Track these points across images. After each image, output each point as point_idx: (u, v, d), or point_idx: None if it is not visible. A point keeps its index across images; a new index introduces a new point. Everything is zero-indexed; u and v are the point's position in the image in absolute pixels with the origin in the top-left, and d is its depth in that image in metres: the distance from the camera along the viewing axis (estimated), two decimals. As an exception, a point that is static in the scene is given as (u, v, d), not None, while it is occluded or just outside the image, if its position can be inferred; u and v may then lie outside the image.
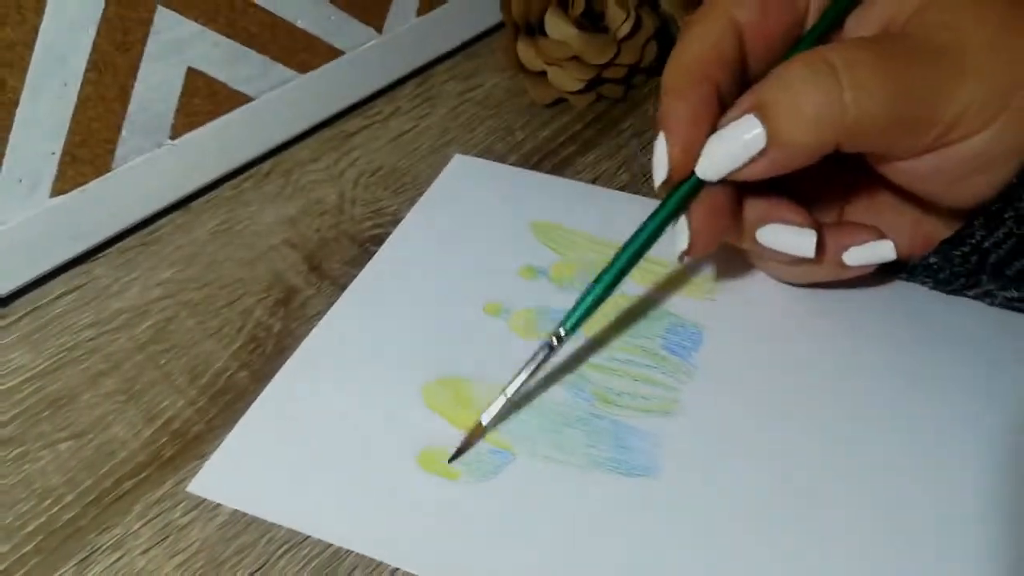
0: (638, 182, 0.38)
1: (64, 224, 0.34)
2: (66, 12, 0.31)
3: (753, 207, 0.28)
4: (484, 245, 0.35)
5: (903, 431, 0.28)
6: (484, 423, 0.27)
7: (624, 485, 0.27)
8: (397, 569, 0.25)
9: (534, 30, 0.41)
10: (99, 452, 0.29)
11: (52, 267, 0.35)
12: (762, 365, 0.30)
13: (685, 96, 0.26)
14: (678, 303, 0.32)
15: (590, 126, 0.42)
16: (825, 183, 0.30)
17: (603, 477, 0.27)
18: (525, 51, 0.42)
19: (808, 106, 0.24)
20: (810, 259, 0.28)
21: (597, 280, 0.27)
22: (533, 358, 0.27)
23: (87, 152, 0.34)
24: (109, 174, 0.35)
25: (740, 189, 0.27)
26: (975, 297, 0.31)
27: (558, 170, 0.39)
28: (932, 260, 0.29)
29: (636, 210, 0.36)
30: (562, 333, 0.27)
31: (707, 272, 0.33)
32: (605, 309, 0.32)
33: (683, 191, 0.27)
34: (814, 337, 0.31)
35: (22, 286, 0.34)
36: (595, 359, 0.30)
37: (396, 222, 0.36)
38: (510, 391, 0.27)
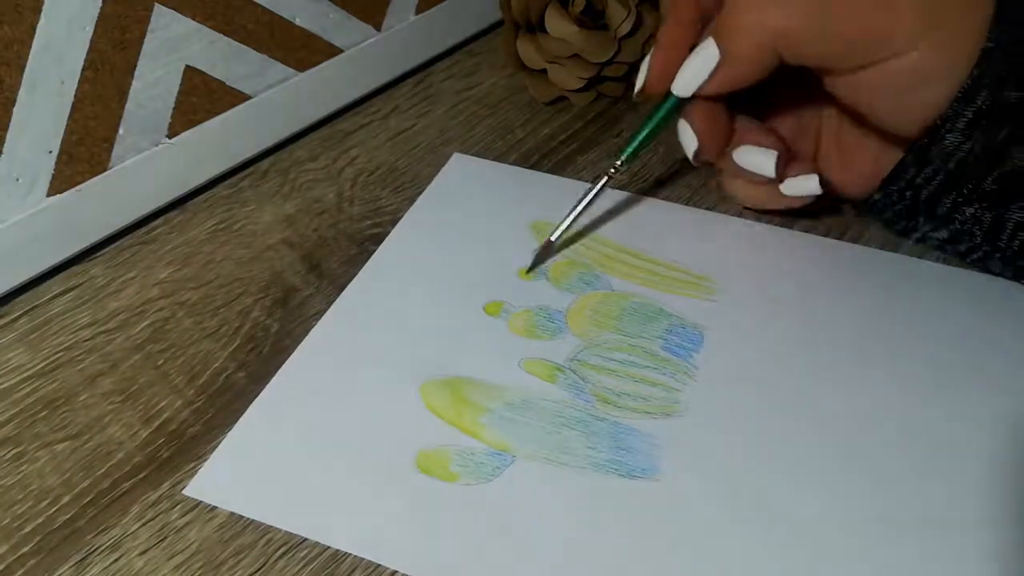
0: (638, 181, 0.38)
1: (61, 223, 0.34)
2: (64, 10, 0.31)
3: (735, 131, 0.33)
4: (483, 245, 0.35)
5: (905, 431, 0.28)
6: (553, 239, 0.33)
7: (624, 487, 0.27)
8: (395, 571, 0.25)
9: (534, 28, 0.41)
10: (96, 453, 0.29)
11: (49, 266, 0.35)
12: (763, 366, 0.30)
13: (669, 25, 0.31)
14: (678, 304, 0.32)
15: (590, 124, 0.41)
16: (800, 125, 0.34)
17: (603, 479, 0.27)
18: (525, 49, 0.41)
19: (746, 22, 0.28)
20: (769, 179, 0.32)
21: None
22: (593, 188, 0.33)
23: (84, 151, 0.34)
24: (106, 173, 0.35)
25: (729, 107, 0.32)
26: (917, 242, 0.33)
27: (558, 169, 0.39)
28: (875, 198, 0.32)
29: (636, 209, 0.36)
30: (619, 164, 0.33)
31: (707, 273, 0.33)
32: (606, 309, 0.32)
33: (666, 106, 0.32)
34: (814, 338, 0.31)
35: (19, 285, 0.34)
36: (595, 360, 0.30)
37: (395, 221, 0.36)
38: (571, 217, 0.33)
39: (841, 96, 0.30)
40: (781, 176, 0.32)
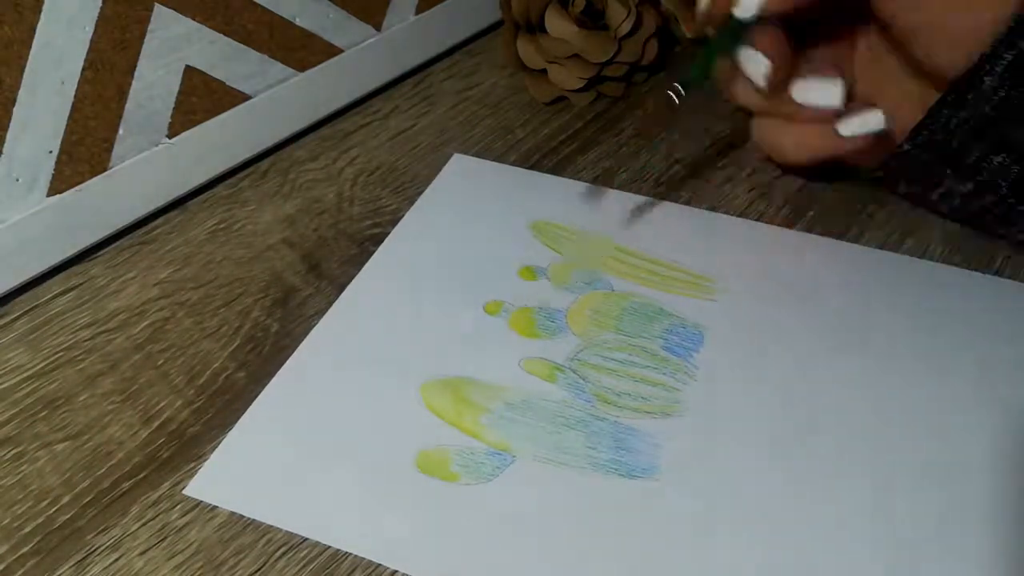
0: (639, 180, 0.38)
1: (61, 223, 0.34)
2: (64, 10, 0.31)
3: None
4: (483, 245, 0.35)
5: (906, 431, 0.28)
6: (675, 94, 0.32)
7: (624, 486, 0.26)
8: (396, 571, 0.25)
9: (534, 28, 0.41)
10: (96, 453, 0.29)
11: (49, 266, 0.35)
12: (763, 366, 0.30)
13: None
14: (679, 304, 0.32)
15: (590, 124, 0.41)
16: (838, 61, 0.33)
17: (603, 479, 0.27)
18: (525, 49, 0.41)
19: None
20: (831, 113, 0.31)
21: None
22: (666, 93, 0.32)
23: (84, 151, 0.34)
24: (106, 173, 0.35)
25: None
26: (938, 201, 0.33)
27: (558, 169, 0.39)
28: (905, 148, 0.31)
29: (637, 209, 0.36)
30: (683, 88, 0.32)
31: (707, 273, 0.33)
32: (606, 309, 0.32)
33: (730, 30, 0.31)
34: (814, 337, 0.31)
35: (19, 285, 0.34)
36: (595, 359, 0.30)
37: (395, 221, 0.36)
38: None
39: (889, 15, 0.30)
40: (838, 115, 0.31)
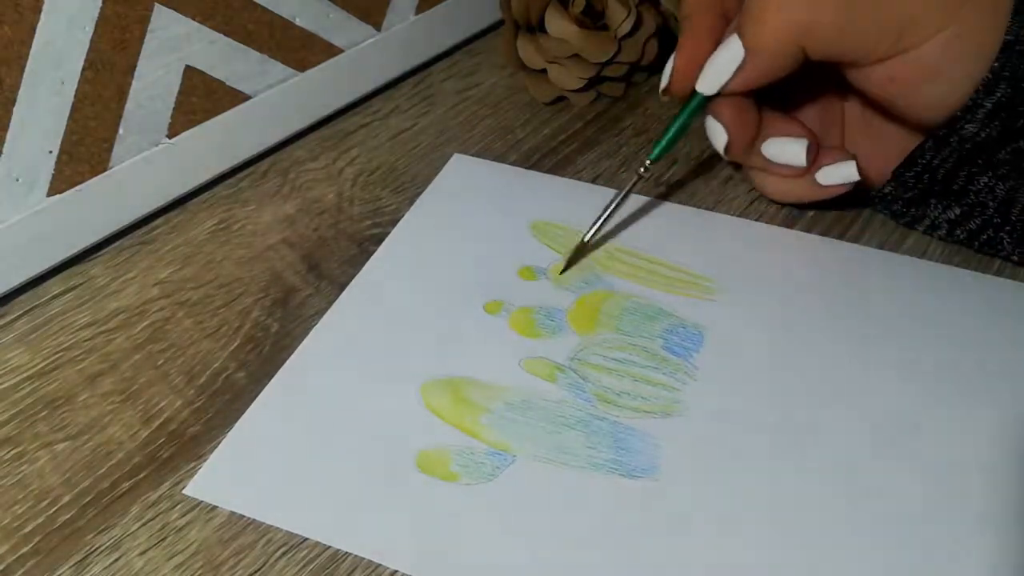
0: (639, 180, 0.38)
1: (61, 223, 0.34)
2: (64, 10, 0.31)
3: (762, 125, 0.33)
4: (483, 245, 0.35)
5: (906, 431, 0.27)
6: (586, 239, 0.33)
7: (624, 486, 0.26)
8: (396, 572, 0.25)
9: (534, 28, 0.41)
10: (96, 453, 0.29)
11: (49, 266, 0.35)
12: (763, 366, 0.30)
13: (693, 22, 0.31)
14: (679, 304, 0.32)
15: (590, 124, 0.41)
16: (825, 116, 0.34)
17: (603, 479, 0.27)
18: (525, 49, 0.41)
19: (770, 19, 0.29)
20: (800, 170, 0.32)
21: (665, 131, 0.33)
22: (623, 190, 0.33)
23: (84, 151, 0.34)
24: (106, 173, 0.35)
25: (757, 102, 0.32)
26: (926, 231, 0.33)
27: (558, 169, 0.39)
28: (887, 189, 0.33)
29: (637, 209, 0.36)
30: (648, 164, 0.33)
31: (707, 273, 0.33)
32: (606, 308, 0.32)
33: (693, 104, 0.32)
34: (814, 337, 0.31)
35: (19, 285, 0.34)
36: (595, 359, 0.30)
37: (395, 221, 0.36)
38: (602, 218, 0.33)
39: (863, 87, 0.30)
40: (816, 166, 0.32)
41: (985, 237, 0.32)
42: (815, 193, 0.33)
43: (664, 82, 0.32)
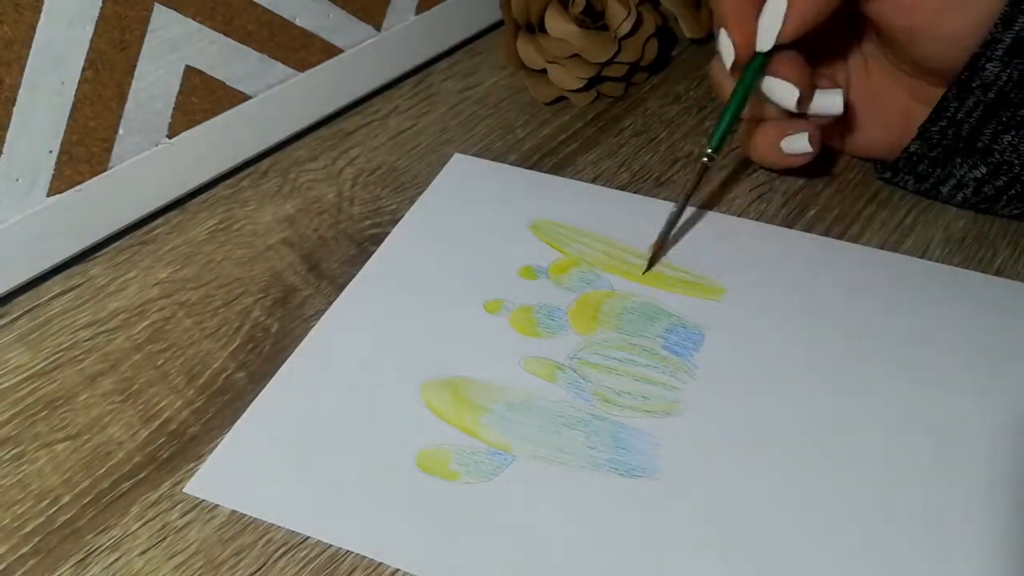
0: (639, 180, 0.38)
1: (61, 223, 0.34)
2: (64, 10, 0.31)
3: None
4: (483, 244, 0.35)
5: (906, 432, 0.28)
6: (667, 233, 0.33)
7: (624, 486, 0.26)
8: (397, 570, 0.25)
9: (534, 28, 0.41)
10: (96, 453, 0.29)
11: (49, 266, 0.35)
12: (763, 366, 0.30)
13: None
14: (679, 303, 0.32)
15: (590, 124, 0.41)
16: (827, 75, 0.35)
17: (603, 478, 0.27)
18: (525, 49, 0.41)
19: None
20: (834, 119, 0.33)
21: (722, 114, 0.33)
22: (693, 180, 0.33)
23: (84, 151, 0.34)
24: (106, 173, 0.35)
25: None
26: (950, 193, 0.34)
27: (558, 169, 0.39)
28: (912, 148, 0.33)
29: (636, 209, 0.36)
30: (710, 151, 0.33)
31: (707, 272, 0.33)
32: (606, 308, 0.32)
33: (755, 65, 0.32)
34: (814, 337, 0.31)
35: (19, 285, 0.34)
36: (596, 358, 0.30)
37: (395, 221, 0.36)
38: (676, 210, 0.33)
39: (887, 19, 0.31)
40: (781, 135, 0.34)
41: (1015, 191, 0.32)
42: (777, 160, 0.34)
43: (729, 57, 0.33)
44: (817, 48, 0.34)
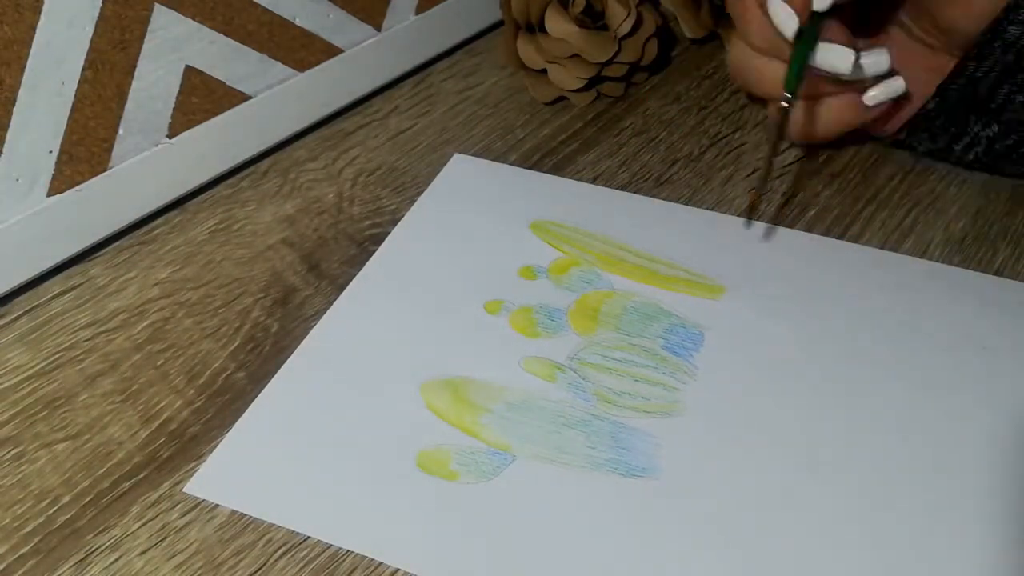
0: (639, 180, 0.38)
1: (61, 223, 0.34)
2: (63, 10, 0.31)
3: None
4: (483, 244, 0.35)
5: (906, 432, 0.28)
6: (758, 188, 0.35)
7: (624, 486, 0.26)
8: (397, 570, 0.25)
9: (534, 28, 0.41)
10: (96, 453, 0.29)
11: (49, 266, 0.35)
12: (763, 366, 0.30)
13: None
14: (679, 303, 0.32)
15: (590, 124, 0.41)
16: (864, 39, 0.35)
17: (603, 478, 0.27)
18: (525, 49, 0.41)
19: None
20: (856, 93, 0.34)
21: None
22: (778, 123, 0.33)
23: (84, 151, 0.34)
24: (106, 173, 0.35)
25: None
26: (962, 153, 0.35)
27: (558, 168, 0.39)
28: (931, 105, 0.34)
29: (636, 209, 0.36)
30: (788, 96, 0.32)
31: (707, 272, 0.33)
32: (606, 308, 0.32)
33: (814, 27, 0.32)
34: (814, 337, 0.31)
35: (19, 285, 0.34)
36: (595, 359, 0.30)
37: (395, 221, 0.36)
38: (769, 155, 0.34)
39: None
40: (862, 89, 0.34)
41: (1023, 150, 0.34)
42: (862, 116, 0.35)
43: (790, 21, 0.32)
44: (847, 23, 0.34)
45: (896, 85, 0.34)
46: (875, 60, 0.33)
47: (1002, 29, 0.31)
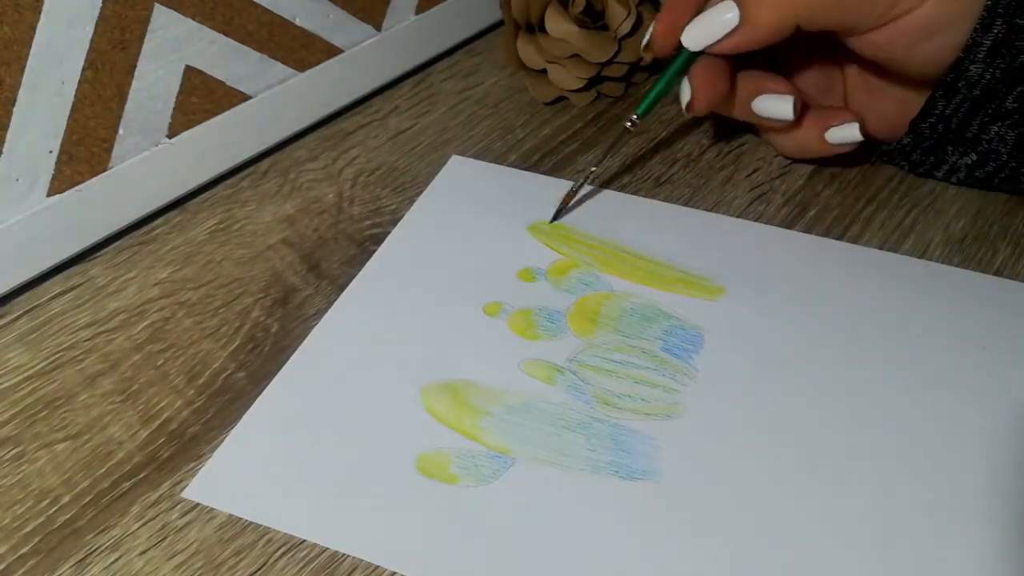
0: (638, 180, 0.38)
1: (61, 223, 0.34)
2: (63, 10, 0.31)
3: (748, 84, 0.34)
4: (483, 246, 0.35)
5: (905, 431, 0.28)
6: (572, 190, 0.35)
7: (624, 488, 0.27)
8: (395, 573, 0.25)
9: (534, 28, 0.41)
10: (96, 453, 0.29)
11: (49, 266, 0.35)
12: (763, 367, 0.30)
13: None
14: (678, 305, 0.32)
15: (590, 124, 0.41)
16: (827, 75, 0.36)
17: (603, 481, 0.27)
18: (525, 49, 0.41)
19: None
20: (789, 125, 0.34)
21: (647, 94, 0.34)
22: (614, 141, 0.35)
23: (84, 151, 0.34)
24: (106, 173, 0.35)
25: (735, 67, 0.34)
26: (944, 177, 0.36)
27: (558, 169, 0.39)
28: (905, 141, 0.35)
29: (636, 209, 0.36)
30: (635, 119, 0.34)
31: (707, 273, 0.33)
32: (606, 310, 0.32)
33: (679, 60, 0.33)
34: (814, 338, 0.31)
35: (19, 285, 0.34)
36: (595, 361, 0.30)
37: (395, 221, 0.36)
38: (592, 171, 0.35)
39: (861, 52, 0.32)
40: (824, 126, 0.34)
41: (1004, 175, 0.34)
42: (825, 150, 0.35)
43: (645, 40, 0.34)
44: (811, 44, 0.35)
45: (852, 132, 0.34)
46: (843, 132, 0.34)
47: (964, 69, 0.31)
